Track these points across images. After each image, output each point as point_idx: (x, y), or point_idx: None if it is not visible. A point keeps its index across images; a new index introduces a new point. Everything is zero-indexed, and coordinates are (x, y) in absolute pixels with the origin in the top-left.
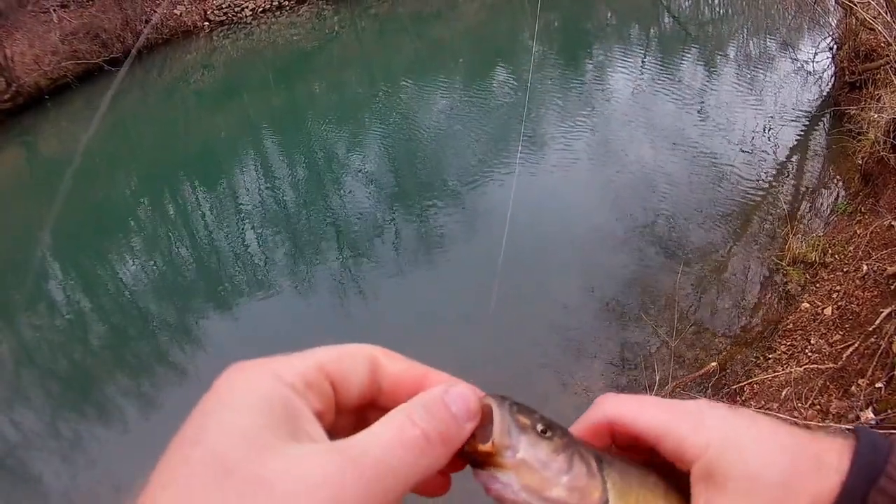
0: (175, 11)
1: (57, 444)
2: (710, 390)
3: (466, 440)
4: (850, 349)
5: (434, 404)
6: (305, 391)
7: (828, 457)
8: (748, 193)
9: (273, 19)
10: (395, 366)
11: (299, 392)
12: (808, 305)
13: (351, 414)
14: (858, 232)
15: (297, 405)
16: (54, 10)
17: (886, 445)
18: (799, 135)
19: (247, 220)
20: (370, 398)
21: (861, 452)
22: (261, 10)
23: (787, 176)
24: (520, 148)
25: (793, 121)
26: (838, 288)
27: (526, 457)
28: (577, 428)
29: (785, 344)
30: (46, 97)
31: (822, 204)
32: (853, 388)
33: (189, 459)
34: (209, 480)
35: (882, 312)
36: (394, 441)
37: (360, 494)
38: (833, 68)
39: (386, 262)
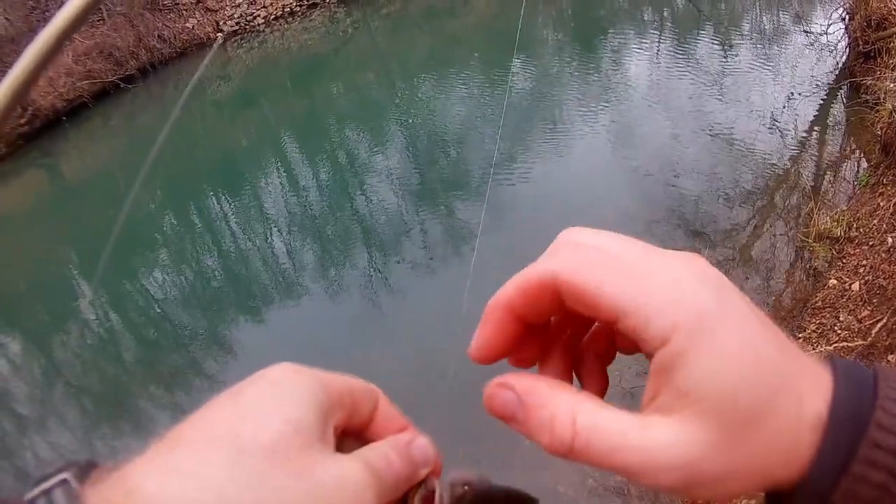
0: (187, 25)
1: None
2: None
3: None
4: (879, 325)
5: (401, 446)
6: (335, 405)
7: (811, 400)
8: (770, 170)
9: (286, 25)
10: (389, 411)
11: (334, 403)
12: (835, 282)
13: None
14: (881, 204)
15: (329, 412)
16: None
17: (869, 381)
18: (817, 108)
19: (274, 227)
20: (361, 429)
21: (840, 399)
22: (273, 17)
23: (808, 150)
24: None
25: (810, 94)
26: (864, 262)
27: None
28: (512, 286)
29: (815, 322)
30: (64, 118)
31: (844, 177)
32: (884, 363)
33: (233, 434)
34: (257, 465)
35: None
36: (384, 474)
37: (373, 495)
38: (847, 39)
39: (415, 260)
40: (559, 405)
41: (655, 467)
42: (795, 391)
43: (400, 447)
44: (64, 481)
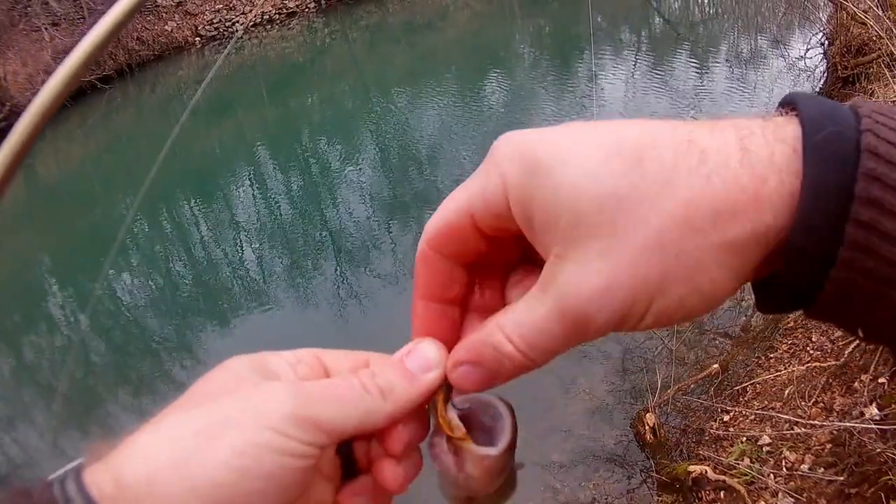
0: (166, 28)
1: (62, 464)
2: (712, 392)
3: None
4: (852, 345)
5: (392, 363)
6: (296, 363)
7: (721, 138)
8: None
9: (264, 33)
10: (383, 360)
11: (289, 362)
12: None
13: None
14: None
15: (276, 364)
16: (46, 29)
17: (845, 113)
18: None
19: (244, 235)
20: None
21: (809, 118)
22: (251, 24)
23: None
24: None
25: None
26: None
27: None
28: (421, 283)
29: (786, 343)
30: None
31: None
32: (856, 384)
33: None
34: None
35: None
36: (339, 385)
37: (300, 406)
38: (825, 64)
39: (385, 272)
40: (489, 335)
41: (580, 312)
42: (684, 143)
43: (392, 362)
44: (80, 464)
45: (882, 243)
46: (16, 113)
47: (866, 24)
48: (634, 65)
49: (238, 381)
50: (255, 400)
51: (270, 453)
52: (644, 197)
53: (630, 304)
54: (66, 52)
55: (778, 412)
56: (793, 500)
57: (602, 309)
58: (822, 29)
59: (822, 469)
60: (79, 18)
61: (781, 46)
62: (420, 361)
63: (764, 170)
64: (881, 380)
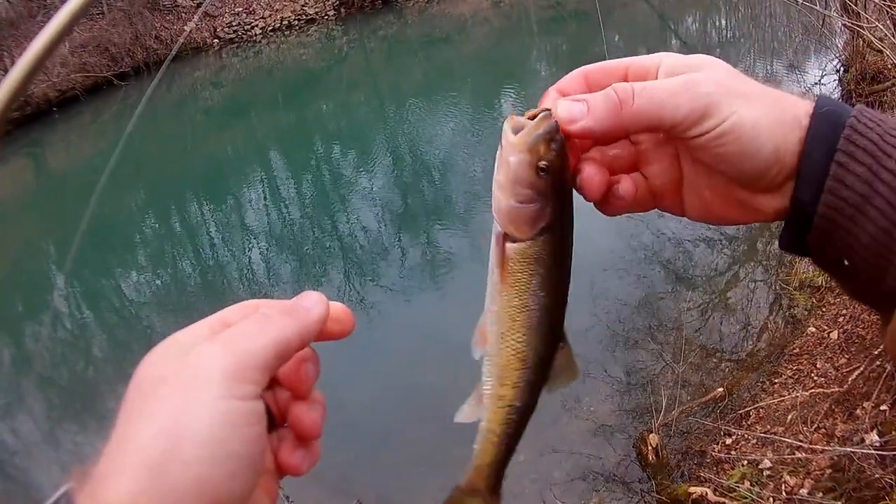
0: (185, 28)
1: (57, 455)
2: (716, 415)
3: None
4: (856, 373)
5: (288, 307)
6: (208, 332)
7: (794, 105)
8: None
9: (282, 38)
10: (271, 302)
11: (202, 333)
12: (814, 329)
13: None
14: None
15: (193, 338)
16: None
17: (846, 107)
18: None
19: (253, 239)
20: None
21: (820, 108)
22: (270, 28)
23: None
24: None
25: None
26: (844, 312)
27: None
28: (563, 81)
29: (791, 368)
30: (55, 109)
31: None
32: (858, 411)
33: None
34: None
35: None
36: (246, 323)
37: (226, 352)
38: (840, 90)
39: (392, 283)
40: (614, 85)
41: (697, 80)
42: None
43: (286, 308)
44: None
45: (850, 173)
46: (29, 104)
47: (882, 53)
48: None
49: (168, 366)
50: (190, 371)
51: (229, 426)
52: (745, 82)
53: (725, 93)
54: (83, 46)
55: (780, 437)
56: None
57: (712, 84)
58: (837, 55)
59: (821, 494)
60: (97, 14)
61: (797, 72)
62: (310, 301)
63: (797, 114)
64: (883, 407)
